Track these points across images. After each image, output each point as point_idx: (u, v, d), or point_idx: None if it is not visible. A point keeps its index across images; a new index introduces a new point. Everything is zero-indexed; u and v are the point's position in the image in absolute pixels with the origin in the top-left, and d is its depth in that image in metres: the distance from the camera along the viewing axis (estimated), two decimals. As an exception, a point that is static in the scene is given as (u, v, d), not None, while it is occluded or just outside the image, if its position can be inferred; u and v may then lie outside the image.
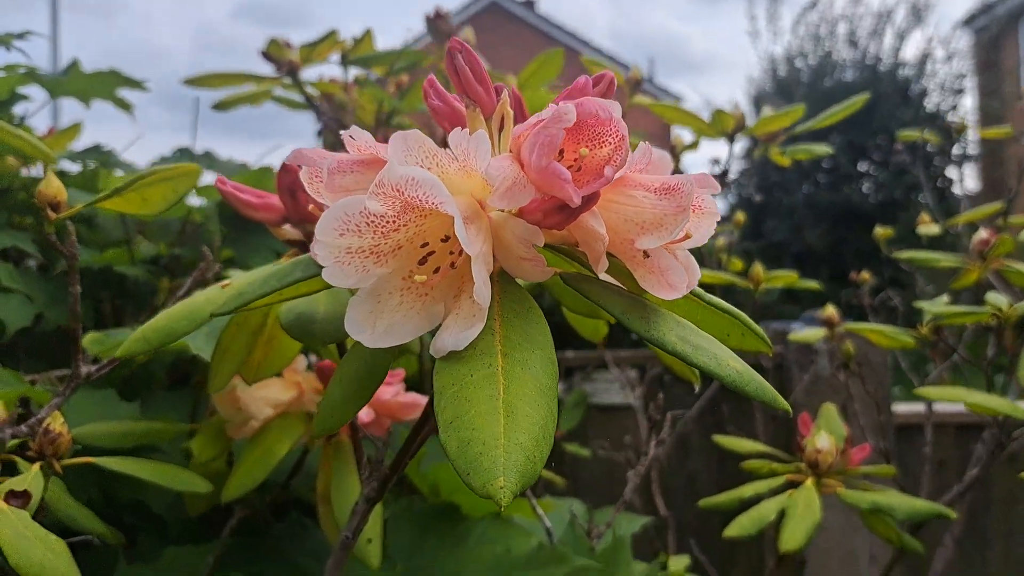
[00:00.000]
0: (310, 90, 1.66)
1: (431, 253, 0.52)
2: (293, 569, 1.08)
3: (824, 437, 1.24)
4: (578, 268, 0.58)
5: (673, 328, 0.55)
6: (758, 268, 1.62)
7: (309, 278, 0.58)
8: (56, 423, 0.82)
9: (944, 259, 1.62)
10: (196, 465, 1.01)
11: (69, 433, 0.83)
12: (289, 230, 0.77)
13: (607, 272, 0.56)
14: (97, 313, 1.41)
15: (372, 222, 0.49)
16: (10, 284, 1.27)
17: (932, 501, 1.66)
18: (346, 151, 0.55)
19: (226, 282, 0.70)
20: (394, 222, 0.50)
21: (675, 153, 1.53)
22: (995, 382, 1.41)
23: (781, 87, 13.45)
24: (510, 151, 0.57)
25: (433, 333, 0.52)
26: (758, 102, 13.74)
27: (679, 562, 1.38)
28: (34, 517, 0.75)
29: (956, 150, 12.02)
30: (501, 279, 0.55)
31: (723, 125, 1.41)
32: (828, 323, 1.59)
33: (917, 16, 13.08)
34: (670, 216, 0.53)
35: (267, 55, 1.59)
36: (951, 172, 12.05)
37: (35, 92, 1.89)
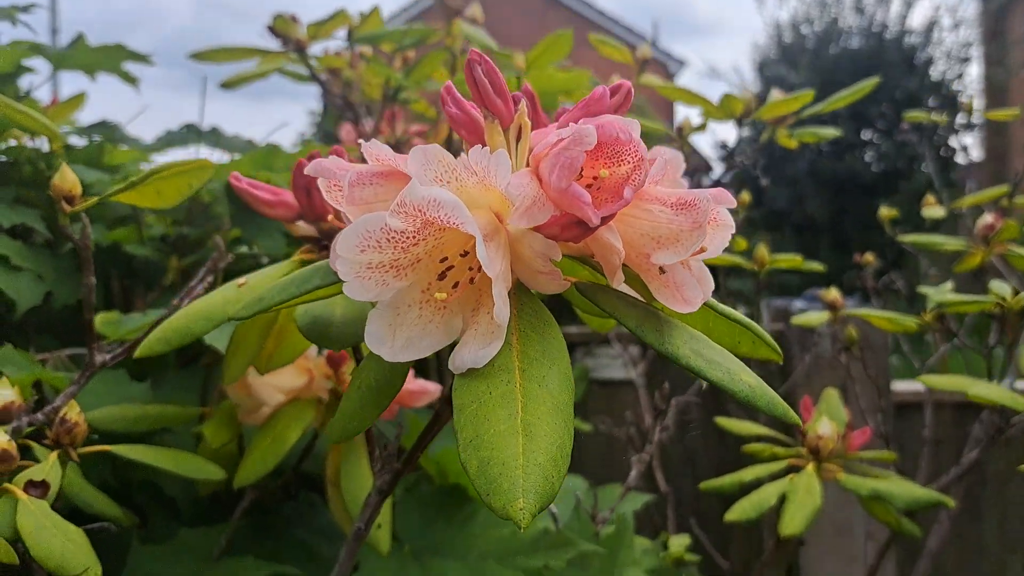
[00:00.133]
0: (314, 63, 1.65)
1: (450, 268, 0.53)
2: (303, 549, 1.10)
3: (826, 423, 1.25)
4: (593, 275, 0.59)
5: (687, 341, 0.56)
6: (763, 250, 1.63)
7: (328, 286, 0.59)
8: (72, 412, 0.84)
9: (948, 243, 1.62)
10: (206, 447, 1.03)
11: (85, 422, 0.85)
12: (303, 226, 0.77)
13: (624, 280, 0.57)
14: (106, 290, 1.42)
15: (392, 238, 0.50)
16: (20, 262, 1.27)
17: (930, 482, 1.69)
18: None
19: (242, 281, 0.70)
20: (414, 237, 0.51)
21: (683, 135, 1.53)
22: (995, 355, 1.42)
23: (786, 53, 13.34)
24: (528, 165, 0.58)
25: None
26: (762, 69, 13.63)
27: (679, 542, 1.40)
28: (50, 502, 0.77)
29: (960, 119, 11.95)
30: (518, 291, 0.55)
31: (731, 109, 1.41)
32: (831, 307, 1.59)
33: (925, -18, 12.93)
34: (686, 232, 0.53)
35: (273, 30, 1.58)
36: (954, 141, 12.00)
37: (37, 64, 1.88)
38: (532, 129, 0.85)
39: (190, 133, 1.58)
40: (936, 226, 2.07)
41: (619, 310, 0.56)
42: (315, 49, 1.61)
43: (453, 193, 0.52)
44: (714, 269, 0.73)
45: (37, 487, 0.76)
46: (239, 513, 1.04)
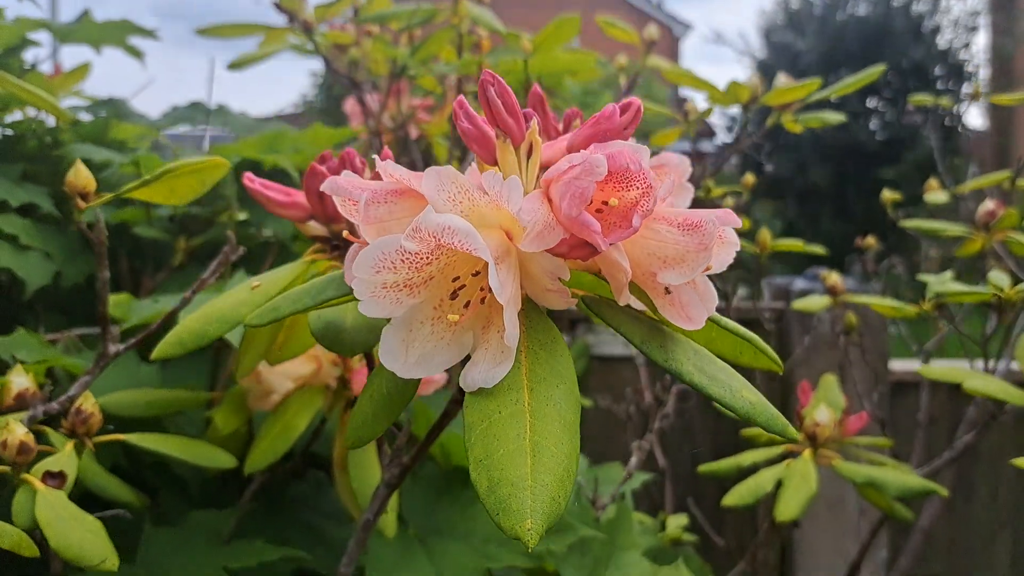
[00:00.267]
0: (320, 39, 1.65)
1: (462, 287, 0.54)
2: (311, 531, 1.13)
3: (823, 410, 1.27)
4: (600, 285, 0.60)
5: (690, 358, 0.57)
6: (765, 234, 1.64)
7: (341, 297, 0.60)
8: (87, 403, 0.85)
9: (950, 228, 1.63)
10: (214, 430, 1.05)
11: (100, 411, 0.87)
12: (315, 227, 0.79)
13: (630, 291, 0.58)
14: (114, 270, 1.43)
15: (407, 259, 0.51)
16: (28, 242, 1.28)
17: (924, 464, 1.71)
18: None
19: (255, 283, 0.72)
20: (427, 257, 0.52)
21: (689, 119, 1.53)
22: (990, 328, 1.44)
23: (793, 20, 13.20)
24: (538, 182, 0.59)
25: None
26: (769, 35, 13.49)
27: (676, 522, 1.43)
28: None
29: (966, 89, 11.86)
30: (527, 308, 0.57)
31: (738, 96, 1.41)
32: (831, 291, 1.61)
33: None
34: (692, 253, 0.55)
35: (280, 7, 1.57)
36: (959, 112, 11.91)
37: (40, 36, 1.88)
38: (540, 132, 0.86)
39: (197, 111, 1.59)
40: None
41: (624, 325, 0.58)
42: (322, 26, 1.61)
43: (466, 211, 0.53)
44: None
45: (55, 478, 0.78)
46: (249, 496, 1.07)
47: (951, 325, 1.45)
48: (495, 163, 0.60)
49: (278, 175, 1.42)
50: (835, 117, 1.55)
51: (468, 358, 0.55)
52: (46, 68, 1.68)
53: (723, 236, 0.59)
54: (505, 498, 0.47)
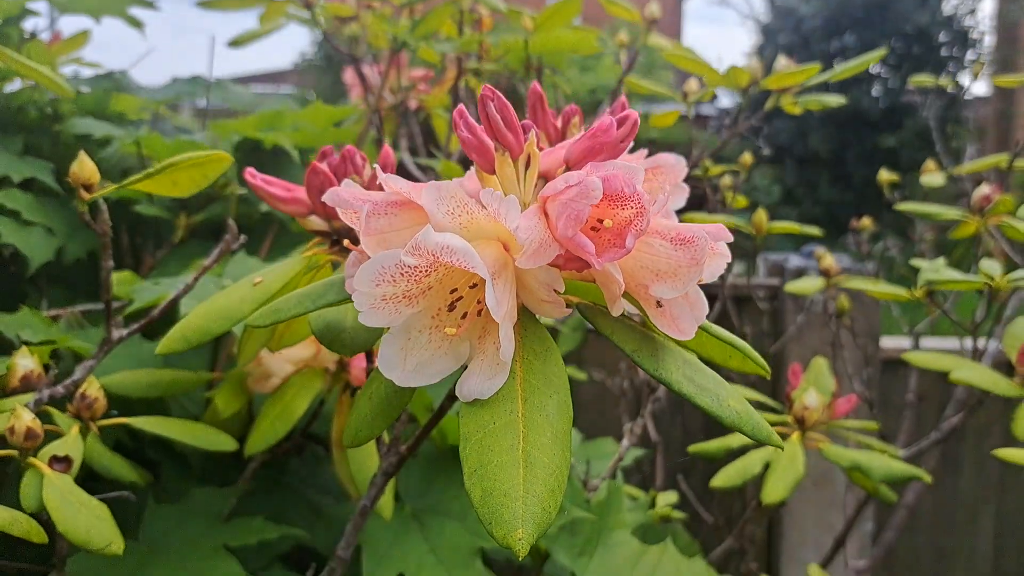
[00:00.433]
0: (319, 11, 1.64)
1: (459, 299, 0.56)
2: (309, 509, 1.16)
3: (812, 395, 1.29)
4: (593, 293, 0.62)
5: (680, 367, 0.59)
6: (761, 215, 1.65)
7: (341, 301, 0.62)
8: (92, 388, 0.88)
9: (944, 212, 1.64)
10: (214, 412, 1.07)
11: (104, 396, 0.89)
12: (316, 221, 0.80)
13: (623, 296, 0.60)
14: (115, 245, 1.44)
15: (406, 272, 0.53)
16: (31, 217, 1.30)
17: (911, 444, 1.74)
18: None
19: (257, 279, 0.73)
20: (426, 270, 0.53)
21: (688, 100, 1.54)
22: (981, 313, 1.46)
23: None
24: (536, 194, 0.61)
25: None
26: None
27: (666, 499, 1.46)
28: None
29: (970, 56, 11.77)
30: (523, 317, 0.59)
31: (737, 80, 1.42)
32: (825, 273, 1.63)
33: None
34: (684, 268, 0.56)
35: (281, -21, 1.56)
36: (963, 79, 11.83)
37: (39, 6, 1.87)
38: (538, 125, 0.87)
39: (197, 85, 1.58)
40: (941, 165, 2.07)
41: (617, 334, 0.60)
42: (322, -1, 1.60)
43: (464, 224, 0.55)
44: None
45: (61, 462, 0.80)
46: (249, 474, 1.09)
47: (942, 311, 1.46)
48: (494, 172, 0.61)
49: (278, 154, 1.43)
50: (835, 99, 1.56)
51: (465, 367, 0.57)
52: (45, 37, 1.67)
53: (715, 248, 0.61)
54: (497, 508, 0.49)
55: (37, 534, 0.70)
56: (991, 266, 1.36)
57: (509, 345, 0.52)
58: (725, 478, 1.23)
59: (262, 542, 1.01)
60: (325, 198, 0.57)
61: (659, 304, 0.58)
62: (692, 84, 1.56)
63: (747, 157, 1.85)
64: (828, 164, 11.68)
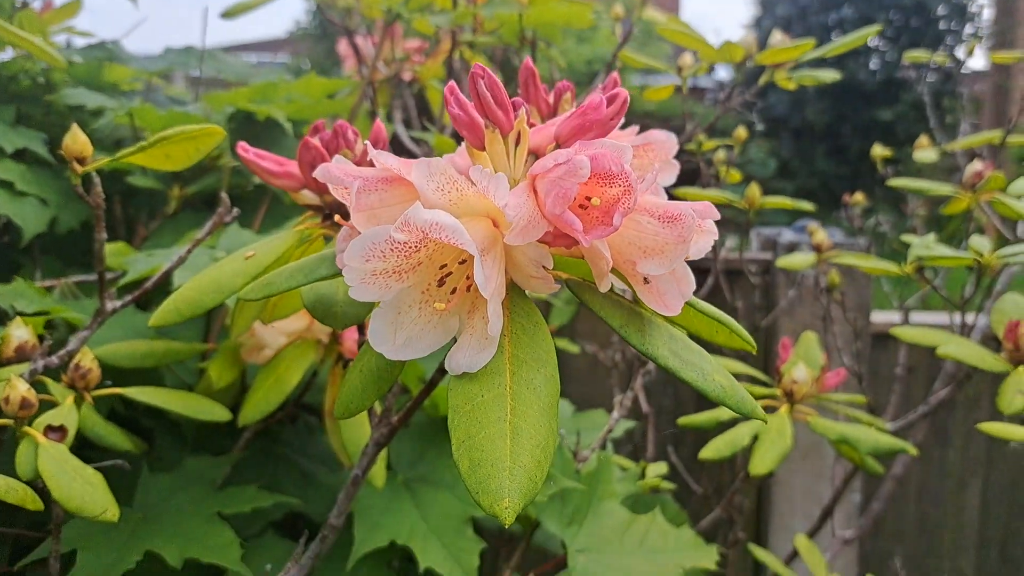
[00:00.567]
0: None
1: (449, 274, 0.57)
2: (302, 477, 1.17)
3: (801, 368, 1.31)
4: (582, 270, 0.63)
5: (666, 342, 0.60)
6: (755, 190, 1.65)
7: (332, 276, 0.63)
8: (86, 359, 0.88)
9: (936, 188, 1.65)
10: (207, 382, 1.08)
11: (98, 366, 0.89)
12: (308, 196, 0.80)
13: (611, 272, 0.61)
14: (108, 216, 1.44)
15: (396, 248, 0.53)
16: (24, 188, 1.30)
17: (901, 415, 1.76)
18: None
19: (249, 253, 0.74)
20: (416, 246, 0.54)
21: (683, 74, 1.53)
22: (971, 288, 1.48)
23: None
24: (525, 171, 0.61)
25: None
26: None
27: (656, 470, 1.48)
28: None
29: (968, 29, 11.70)
30: (512, 293, 0.59)
31: (731, 54, 1.41)
32: (817, 248, 1.64)
33: None
34: (671, 245, 0.57)
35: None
36: (961, 53, 11.76)
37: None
38: (530, 101, 0.87)
39: (190, 56, 1.58)
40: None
41: (605, 309, 0.61)
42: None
43: (454, 200, 0.55)
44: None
45: (56, 431, 0.81)
46: (243, 443, 1.10)
47: (932, 286, 1.48)
48: (484, 149, 0.62)
49: (272, 126, 1.43)
50: (829, 75, 1.56)
51: (455, 340, 0.57)
52: (36, 6, 1.66)
53: (702, 226, 0.61)
54: (485, 478, 0.50)
55: (33, 501, 0.71)
56: (980, 242, 1.37)
57: (497, 321, 0.53)
58: (714, 450, 1.24)
59: (255, 510, 1.02)
60: (316, 174, 0.58)
61: (646, 280, 0.59)
62: (687, 58, 1.55)
63: (741, 132, 1.86)
64: (824, 137, 11.65)
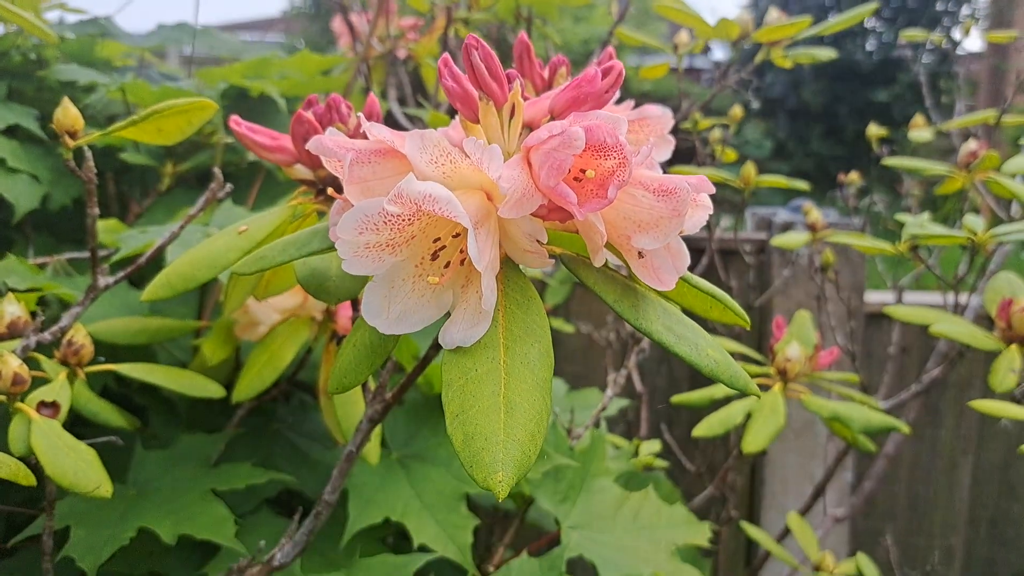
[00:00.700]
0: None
1: (442, 247, 0.56)
2: (296, 454, 1.17)
3: (794, 347, 1.31)
4: (577, 246, 0.63)
5: (660, 317, 0.60)
6: (750, 169, 1.65)
7: (326, 250, 0.63)
8: (79, 335, 0.88)
9: (931, 168, 1.65)
10: (201, 359, 1.08)
11: (91, 343, 0.89)
12: (301, 170, 0.80)
13: (606, 247, 0.61)
14: (101, 193, 1.43)
15: (389, 221, 0.53)
16: (16, 164, 1.29)
17: (894, 394, 1.77)
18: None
19: (242, 227, 0.74)
20: (409, 219, 0.54)
21: (678, 52, 1.53)
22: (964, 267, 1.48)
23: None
24: (520, 143, 0.61)
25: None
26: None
27: (649, 448, 1.49)
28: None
29: (965, 10, 11.66)
30: (506, 267, 0.59)
31: (727, 32, 1.41)
32: (811, 228, 1.64)
33: None
34: (666, 219, 0.57)
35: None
36: (957, 33, 11.73)
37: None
38: (525, 75, 0.86)
39: (183, 32, 1.56)
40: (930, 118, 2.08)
41: (599, 284, 0.60)
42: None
43: (447, 173, 0.55)
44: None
45: (48, 407, 0.81)
46: (237, 420, 1.10)
47: (926, 265, 1.48)
48: (478, 121, 0.61)
49: (265, 102, 1.42)
50: (825, 54, 1.55)
51: (448, 314, 0.57)
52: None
53: (697, 200, 0.61)
54: (478, 451, 0.50)
55: (25, 477, 0.71)
56: (974, 221, 1.37)
57: (491, 295, 0.52)
58: (707, 428, 1.25)
59: (250, 487, 1.02)
60: (309, 146, 0.57)
61: (641, 255, 0.58)
62: (683, 36, 1.55)
63: (737, 111, 1.85)
64: (820, 117, 11.64)
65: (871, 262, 2.33)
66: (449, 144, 0.55)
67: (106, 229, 1.17)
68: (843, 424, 1.23)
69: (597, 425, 1.34)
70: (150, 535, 0.91)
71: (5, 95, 1.38)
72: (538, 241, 0.57)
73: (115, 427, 0.95)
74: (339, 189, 0.76)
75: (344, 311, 1.04)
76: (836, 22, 1.44)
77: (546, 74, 0.87)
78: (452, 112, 1.56)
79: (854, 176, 1.96)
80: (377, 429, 1.06)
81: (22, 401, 0.80)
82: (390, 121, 1.70)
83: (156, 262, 0.97)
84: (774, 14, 1.47)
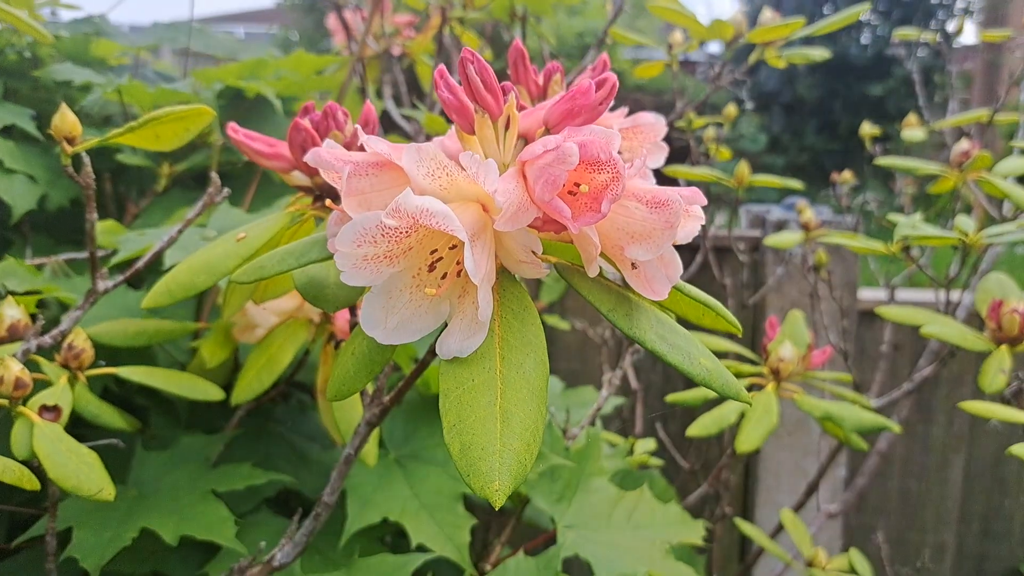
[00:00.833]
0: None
1: (439, 259, 0.57)
2: (294, 454, 1.18)
3: (787, 347, 1.32)
4: (572, 255, 0.64)
5: (653, 326, 0.61)
6: (744, 168, 1.66)
7: (324, 259, 0.64)
8: (79, 339, 0.89)
9: (924, 167, 1.66)
10: (200, 360, 1.09)
11: (91, 346, 0.90)
12: (299, 177, 0.81)
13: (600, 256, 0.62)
14: (98, 193, 1.44)
15: (387, 233, 0.54)
16: (13, 165, 1.29)
17: (886, 392, 1.78)
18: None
19: (241, 234, 0.74)
20: (407, 231, 0.55)
21: (672, 52, 1.53)
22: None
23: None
24: (515, 155, 0.62)
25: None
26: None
27: (644, 446, 1.50)
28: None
29: (959, 4, 11.67)
30: (501, 277, 0.60)
31: (721, 32, 1.41)
32: (805, 227, 1.65)
33: None
34: (658, 231, 0.58)
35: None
36: (951, 27, 11.76)
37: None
38: (519, 82, 0.87)
39: (178, 31, 1.57)
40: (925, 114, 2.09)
41: (593, 294, 0.61)
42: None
43: (444, 185, 0.56)
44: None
45: (50, 411, 0.82)
46: (235, 421, 1.11)
47: (917, 265, 1.49)
48: (474, 132, 0.62)
49: (261, 102, 1.42)
50: (819, 54, 1.56)
51: (446, 324, 0.58)
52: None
53: (689, 211, 0.62)
54: (475, 461, 0.51)
55: (29, 481, 0.72)
56: (966, 222, 1.38)
57: (487, 307, 0.53)
58: (701, 427, 1.26)
59: (249, 487, 1.03)
60: (307, 159, 0.58)
61: (634, 266, 0.59)
62: (677, 36, 1.55)
63: (731, 109, 1.86)
64: (815, 112, 11.65)
65: (863, 260, 2.35)
66: (446, 157, 0.56)
67: (104, 230, 1.18)
68: (836, 423, 1.25)
69: (592, 423, 1.35)
70: (151, 535, 0.92)
71: (1, 95, 1.38)
72: (533, 252, 0.58)
73: (116, 429, 0.96)
74: (335, 197, 0.77)
75: (341, 313, 1.05)
76: (829, 23, 1.45)
77: (540, 80, 0.88)
78: (446, 113, 1.57)
79: (847, 175, 1.97)
80: (375, 430, 1.07)
81: (24, 405, 0.81)
82: (385, 120, 1.71)
83: (154, 265, 0.98)
84: (768, 14, 1.48)
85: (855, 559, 1.45)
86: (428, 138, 1.55)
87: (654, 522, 1.17)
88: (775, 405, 1.25)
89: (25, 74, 1.49)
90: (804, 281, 2.09)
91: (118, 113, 1.44)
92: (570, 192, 0.56)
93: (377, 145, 0.58)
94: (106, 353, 1.00)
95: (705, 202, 0.61)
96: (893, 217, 1.49)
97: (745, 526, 1.48)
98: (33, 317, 0.95)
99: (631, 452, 1.48)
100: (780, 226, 2.13)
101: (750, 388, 1.32)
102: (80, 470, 0.78)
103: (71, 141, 0.80)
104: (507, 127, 0.62)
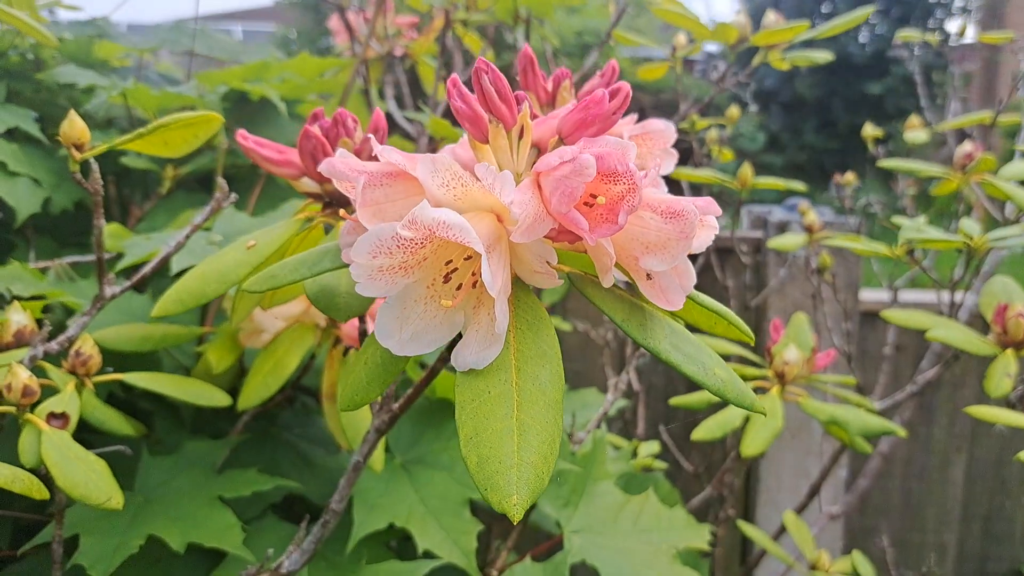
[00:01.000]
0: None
1: (454, 270, 0.57)
2: (300, 459, 1.18)
3: (792, 350, 1.32)
4: (585, 265, 0.63)
5: (667, 336, 0.61)
6: (747, 170, 1.66)
7: (336, 268, 0.63)
8: (87, 345, 0.89)
9: (927, 169, 1.66)
10: (206, 365, 1.08)
11: (99, 352, 0.90)
12: (308, 184, 0.80)
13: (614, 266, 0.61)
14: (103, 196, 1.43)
15: (402, 244, 0.54)
16: (17, 168, 1.29)
17: (889, 394, 1.78)
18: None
19: (251, 242, 0.74)
20: (422, 242, 0.54)
21: (676, 55, 1.53)
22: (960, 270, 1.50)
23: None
24: (530, 170, 0.61)
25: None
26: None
27: (648, 449, 1.50)
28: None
29: (958, 2, 11.67)
30: (516, 288, 0.60)
31: (725, 36, 1.41)
32: (808, 229, 1.65)
33: None
34: (673, 241, 0.58)
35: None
36: (951, 25, 11.77)
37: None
38: (529, 88, 0.87)
39: (181, 33, 1.56)
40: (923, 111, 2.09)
41: (607, 304, 0.61)
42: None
43: (459, 196, 0.55)
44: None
45: (58, 419, 0.82)
46: (241, 426, 1.11)
47: (921, 268, 1.49)
48: (487, 141, 0.62)
49: (265, 104, 1.42)
50: (822, 56, 1.56)
51: (460, 335, 0.58)
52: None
53: (703, 221, 0.62)
54: (492, 474, 0.51)
55: (38, 491, 0.72)
56: (970, 225, 1.38)
57: (504, 319, 0.53)
58: (706, 431, 1.26)
59: (255, 492, 1.03)
60: (321, 169, 0.58)
61: (649, 276, 0.59)
62: (680, 38, 1.55)
63: (734, 111, 1.86)
64: (814, 110, 11.65)
65: (866, 261, 2.35)
66: (460, 168, 0.55)
67: (109, 234, 1.17)
68: (840, 427, 1.25)
69: (598, 427, 1.35)
70: (158, 541, 0.92)
71: (4, 97, 1.38)
72: (547, 262, 0.58)
73: (122, 435, 0.96)
74: (346, 204, 0.77)
75: (348, 318, 1.05)
76: (833, 26, 1.45)
77: (549, 86, 0.87)
78: (450, 115, 1.56)
79: (849, 177, 1.97)
80: (382, 439, 1.07)
81: (32, 412, 0.81)
82: (388, 122, 1.70)
83: (160, 270, 0.97)
84: (771, 17, 1.48)
85: (858, 561, 1.45)
86: (432, 140, 1.55)
87: (660, 526, 1.17)
88: (780, 409, 1.25)
89: (28, 76, 1.48)
90: (807, 283, 2.09)
91: (122, 116, 1.44)
92: (586, 203, 0.55)
93: (391, 155, 0.57)
94: (111, 357, 1.00)
95: (720, 212, 0.61)
96: (897, 220, 1.49)
97: (747, 528, 1.48)
98: (39, 322, 0.94)
99: (635, 455, 1.48)
100: (782, 227, 2.12)
101: (754, 391, 1.32)
102: (89, 478, 0.78)
103: (79, 147, 0.80)
104: (520, 136, 0.62)
